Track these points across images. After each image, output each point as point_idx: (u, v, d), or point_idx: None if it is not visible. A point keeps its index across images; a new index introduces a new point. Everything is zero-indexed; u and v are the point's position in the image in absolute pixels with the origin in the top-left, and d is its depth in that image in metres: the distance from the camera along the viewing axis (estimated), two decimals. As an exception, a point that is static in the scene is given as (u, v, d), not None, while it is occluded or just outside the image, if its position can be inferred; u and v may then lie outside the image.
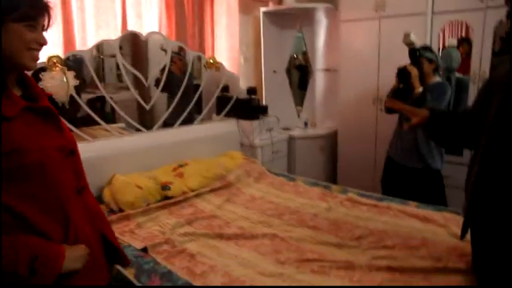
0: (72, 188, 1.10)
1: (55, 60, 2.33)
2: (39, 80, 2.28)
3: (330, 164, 4.06)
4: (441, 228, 2.05)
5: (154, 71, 3.08)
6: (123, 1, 2.89)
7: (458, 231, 1.85)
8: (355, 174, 3.72)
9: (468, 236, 1.56)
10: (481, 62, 3.00)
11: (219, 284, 1.67)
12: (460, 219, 1.95)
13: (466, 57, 3.28)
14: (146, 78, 2.96)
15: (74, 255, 1.02)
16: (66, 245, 1.03)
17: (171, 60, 3.09)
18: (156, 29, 3.08)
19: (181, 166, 2.82)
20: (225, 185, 2.80)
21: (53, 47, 2.42)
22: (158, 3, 3.10)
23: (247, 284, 1.65)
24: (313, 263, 1.79)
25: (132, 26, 2.94)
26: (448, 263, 1.70)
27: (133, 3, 2.95)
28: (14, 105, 0.97)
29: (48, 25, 1.04)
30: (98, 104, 2.96)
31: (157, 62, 3.08)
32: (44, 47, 1.05)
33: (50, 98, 1.16)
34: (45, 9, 1.02)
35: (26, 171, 0.97)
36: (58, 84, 2.31)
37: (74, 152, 1.13)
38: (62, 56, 2.44)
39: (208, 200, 2.61)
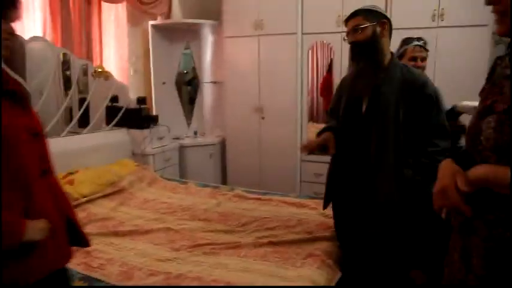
0: (37, 169, 1.15)
1: None
2: None
3: (220, 169, 4.31)
4: (313, 210, 2.43)
5: (37, 79, 2.97)
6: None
7: (326, 212, 2.25)
8: (242, 176, 4.02)
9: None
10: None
11: (117, 273, 1.76)
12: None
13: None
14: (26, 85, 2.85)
15: (34, 227, 1.07)
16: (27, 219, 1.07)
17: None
18: (39, 34, 2.97)
19: (71, 174, 2.78)
20: (117, 191, 2.84)
21: None
22: (42, 6, 2.97)
23: (145, 270, 1.78)
24: (205, 246, 2.00)
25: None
26: (317, 233, 2.05)
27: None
28: None
29: (16, 16, 1.10)
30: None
31: (39, 68, 2.96)
32: None
33: None
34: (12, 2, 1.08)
35: None
36: None
37: (40, 135, 1.19)
38: None
39: (101, 205, 2.63)
